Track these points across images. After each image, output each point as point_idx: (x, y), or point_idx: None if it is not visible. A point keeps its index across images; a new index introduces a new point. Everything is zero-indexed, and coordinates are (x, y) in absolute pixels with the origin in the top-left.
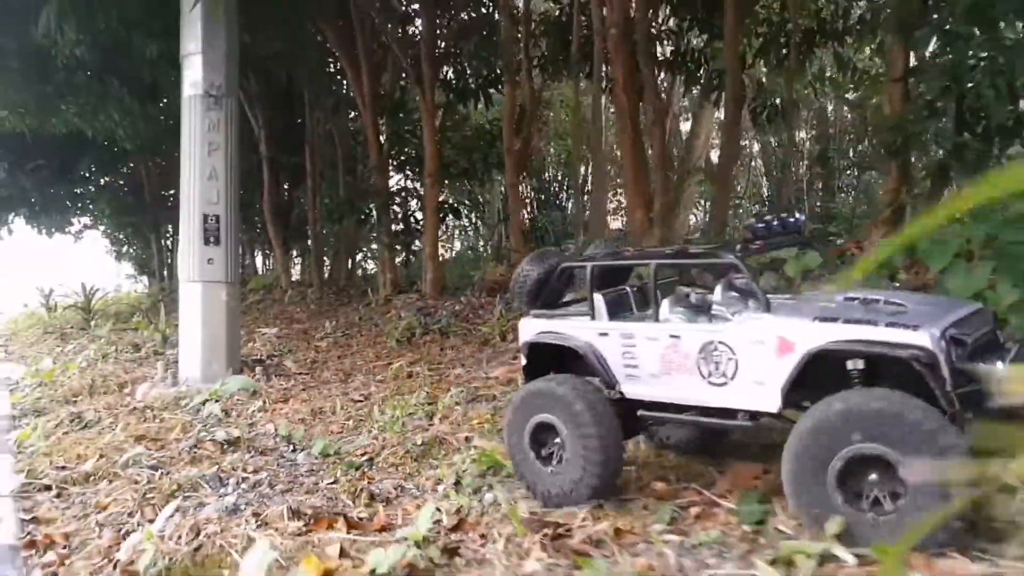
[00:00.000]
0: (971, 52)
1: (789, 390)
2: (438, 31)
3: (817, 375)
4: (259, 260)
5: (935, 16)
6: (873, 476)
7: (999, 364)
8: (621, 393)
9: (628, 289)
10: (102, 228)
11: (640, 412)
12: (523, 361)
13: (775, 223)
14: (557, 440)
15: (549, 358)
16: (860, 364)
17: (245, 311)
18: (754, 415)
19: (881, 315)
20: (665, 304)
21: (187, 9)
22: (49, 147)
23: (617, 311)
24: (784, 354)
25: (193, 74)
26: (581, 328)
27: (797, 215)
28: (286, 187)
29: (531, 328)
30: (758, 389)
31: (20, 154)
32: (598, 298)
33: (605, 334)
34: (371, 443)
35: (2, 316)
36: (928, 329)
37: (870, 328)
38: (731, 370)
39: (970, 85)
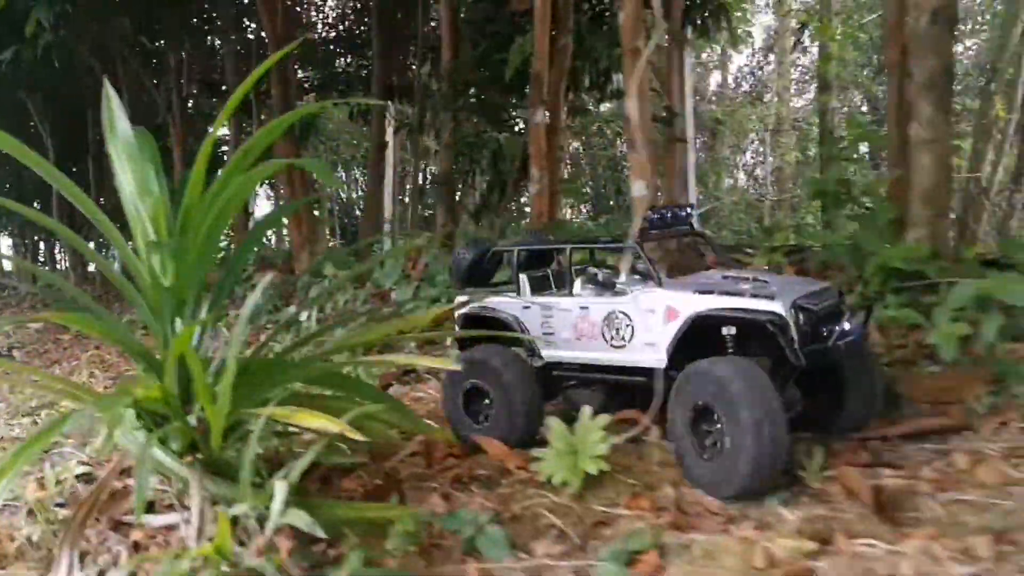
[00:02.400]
0: None
1: (675, 350)
2: (184, 68)
3: (701, 341)
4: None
5: None
6: (715, 424)
7: (838, 327)
8: (541, 358)
9: (549, 271)
10: None
11: (555, 372)
12: (457, 332)
13: (668, 214)
14: (487, 402)
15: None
16: (733, 331)
17: (32, 306)
18: (646, 372)
19: (747, 289)
20: (578, 282)
21: None
22: None
23: (539, 289)
24: (671, 320)
25: None
26: (508, 303)
27: (688, 208)
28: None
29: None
30: (649, 350)
31: None
32: (523, 277)
33: (528, 307)
34: None
35: None
36: (782, 299)
37: (738, 299)
38: (628, 335)
39: None
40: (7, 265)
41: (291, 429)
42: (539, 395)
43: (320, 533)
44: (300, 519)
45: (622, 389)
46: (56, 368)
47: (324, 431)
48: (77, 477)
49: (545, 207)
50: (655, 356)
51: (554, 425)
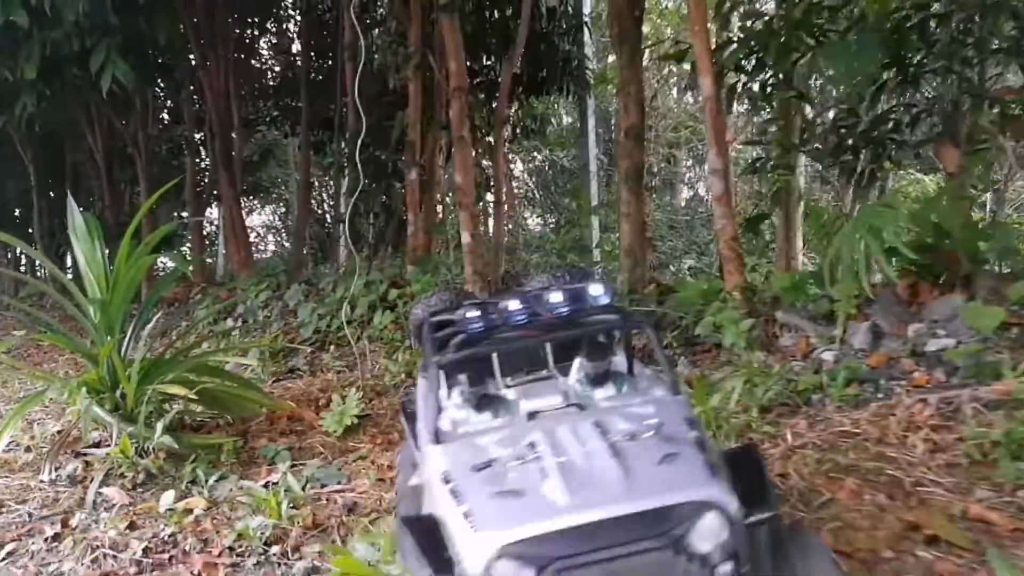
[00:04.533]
0: None
1: None
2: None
3: None
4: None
5: None
6: None
7: None
8: None
9: None
10: None
11: None
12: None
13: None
14: None
15: None
16: None
17: (17, 318)
18: None
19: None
20: None
21: None
22: None
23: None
24: None
25: None
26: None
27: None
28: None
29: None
30: None
31: None
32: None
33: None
34: None
35: None
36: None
37: None
38: None
39: None
40: None
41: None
42: None
43: (176, 447)
44: (167, 440)
45: None
46: (39, 368)
47: (180, 395)
48: (55, 433)
49: (420, 244)
50: None
51: (337, 398)
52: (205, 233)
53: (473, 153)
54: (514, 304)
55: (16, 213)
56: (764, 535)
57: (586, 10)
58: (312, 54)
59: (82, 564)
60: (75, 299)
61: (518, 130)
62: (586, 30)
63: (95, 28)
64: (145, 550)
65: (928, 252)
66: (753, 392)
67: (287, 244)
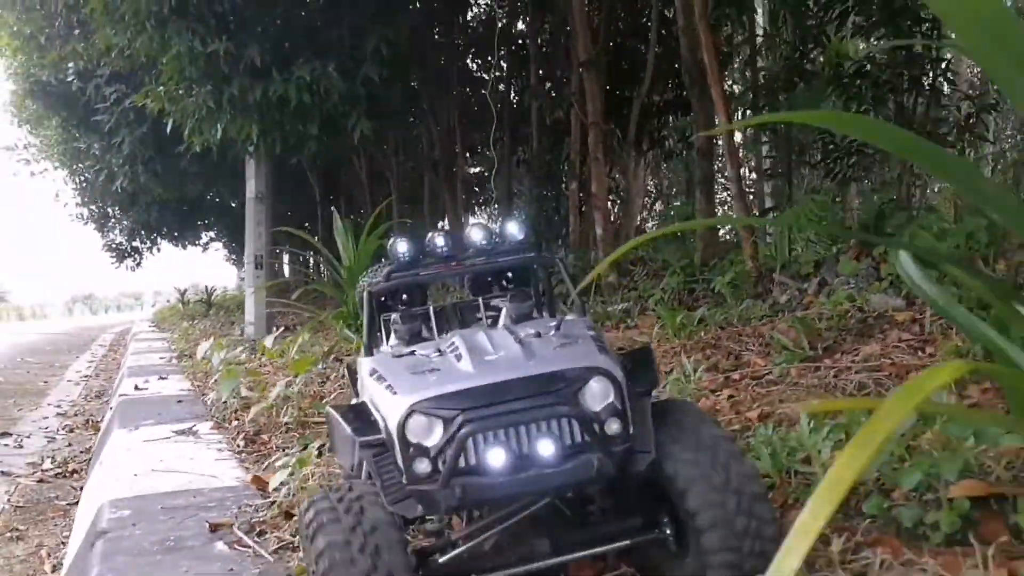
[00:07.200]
0: None
1: None
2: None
3: None
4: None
5: None
6: None
7: None
8: None
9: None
10: (222, 242)
11: None
12: None
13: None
14: None
15: None
16: None
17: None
18: None
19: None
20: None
21: (247, 159)
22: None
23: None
24: None
25: (251, 187)
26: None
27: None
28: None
29: None
30: None
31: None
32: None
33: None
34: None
35: (155, 308)
36: None
37: None
38: None
39: None
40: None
41: None
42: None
43: None
44: None
45: None
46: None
47: None
48: (326, 348)
49: (577, 236)
50: None
51: None
52: None
53: (608, 168)
54: (440, 240)
55: (306, 224)
56: (647, 404)
57: None
58: (513, 89)
59: (341, 386)
60: (336, 267)
61: (668, 144)
62: None
63: (352, 98)
64: None
65: (862, 230)
66: (715, 316)
67: None
